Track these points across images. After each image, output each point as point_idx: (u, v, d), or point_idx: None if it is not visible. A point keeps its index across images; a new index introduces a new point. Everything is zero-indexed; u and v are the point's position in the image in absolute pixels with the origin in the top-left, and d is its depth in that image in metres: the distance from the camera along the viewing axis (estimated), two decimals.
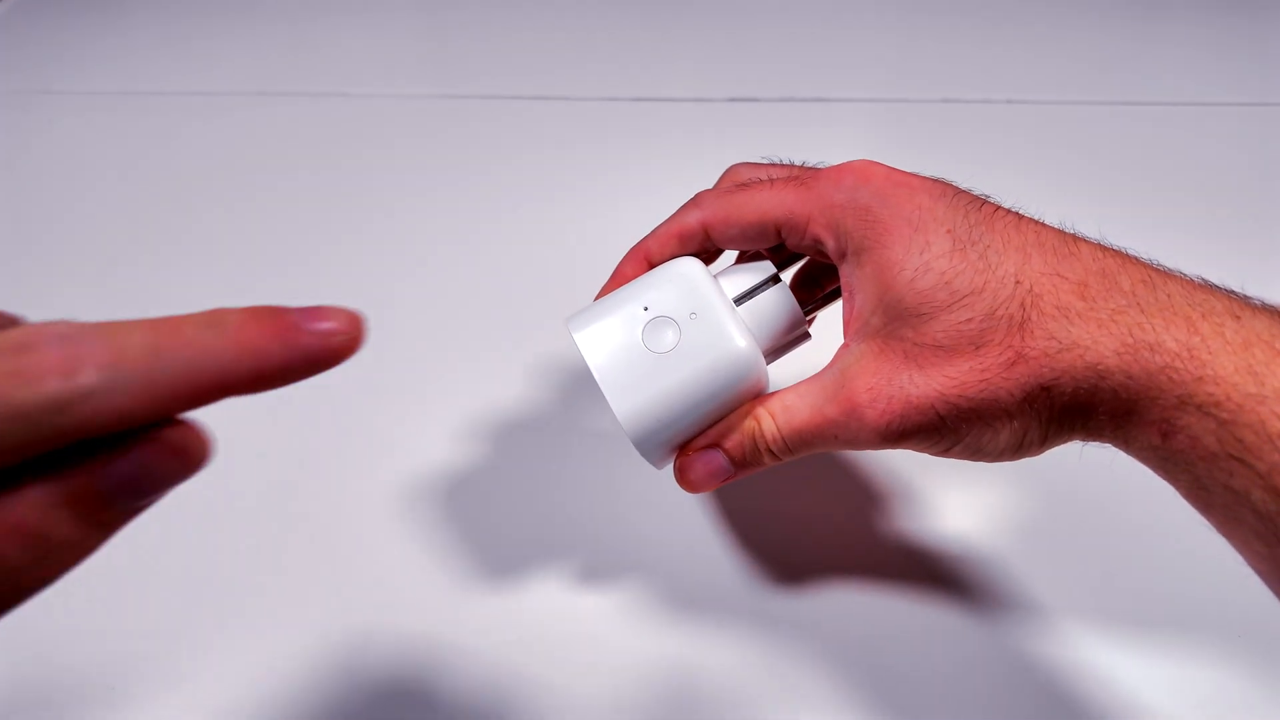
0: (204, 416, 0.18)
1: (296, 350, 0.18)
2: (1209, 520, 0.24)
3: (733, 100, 0.65)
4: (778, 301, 0.30)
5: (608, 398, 0.28)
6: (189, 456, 0.18)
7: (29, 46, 0.74)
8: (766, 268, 0.30)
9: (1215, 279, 0.25)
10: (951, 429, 0.26)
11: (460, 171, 0.59)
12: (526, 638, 0.35)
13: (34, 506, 0.17)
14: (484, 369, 0.45)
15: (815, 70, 0.68)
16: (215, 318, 0.18)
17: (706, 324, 0.28)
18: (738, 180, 0.32)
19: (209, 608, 0.36)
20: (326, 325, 0.18)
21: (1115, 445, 0.25)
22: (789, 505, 0.39)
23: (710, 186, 0.33)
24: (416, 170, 0.60)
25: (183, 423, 0.18)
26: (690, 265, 0.30)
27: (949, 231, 0.26)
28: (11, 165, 0.61)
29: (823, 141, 0.60)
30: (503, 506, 0.40)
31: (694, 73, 0.69)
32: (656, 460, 0.30)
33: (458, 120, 0.64)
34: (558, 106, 0.65)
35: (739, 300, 0.30)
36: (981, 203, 0.27)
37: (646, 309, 0.29)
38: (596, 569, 0.37)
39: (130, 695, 0.33)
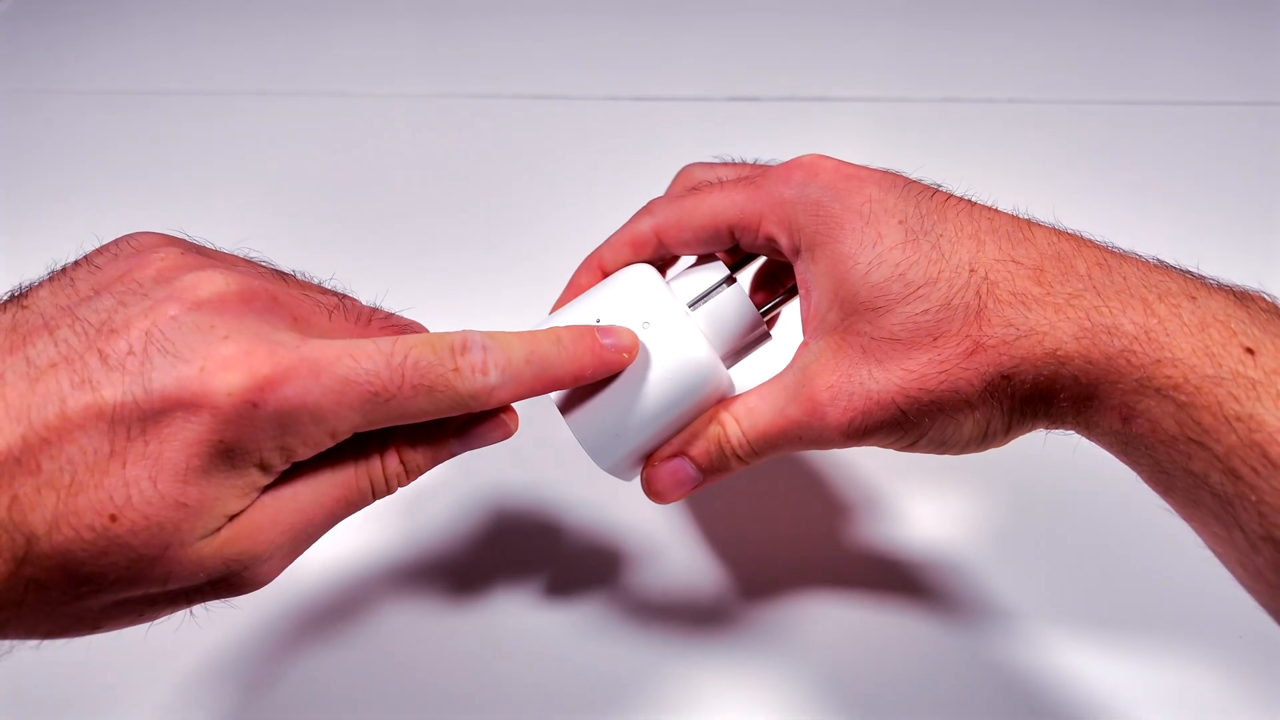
0: None
1: (602, 364, 0.26)
2: (1170, 504, 0.24)
3: (734, 99, 0.65)
4: (733, 303, 0.30)
5: (564, 418, 0.28)
6: (508, 432, 0.26)
7: (28, 45, 0.74)
8: (719, 269, 0.30)
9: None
10: (914, 423, 0.25)
11: (460, 170, 0.59)
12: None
13: (409, 438, 0.25)
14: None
15: (817, 69, 0.68)
16: (554, 337, 0.25)
17: (661, 332, 0.28)
18: (690, 183, 0.32)
19: None
20: (616, 342, 0.27)
21: (1078, 432, 0.25)
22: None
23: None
24: (416, 169, 0.60)
25: (511, 409, 0.26)
26: (641, 273, 0.30)
27: (901, 222, 0.26)
28: (11, 164, 0.61)
29: (824, 141, 0.60)
30: (476, 514, 0.39)
31: (695, 71, 0.69)
32: (622, 473, 0.30)
33: (458, 119, 0.64)
34: (558, 105, 0.65)
35: (693, 304, 0.29)
36: (933, 192, 0.27)
37: (600, 321, 0.28)
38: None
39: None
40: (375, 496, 0.25)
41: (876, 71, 0.68)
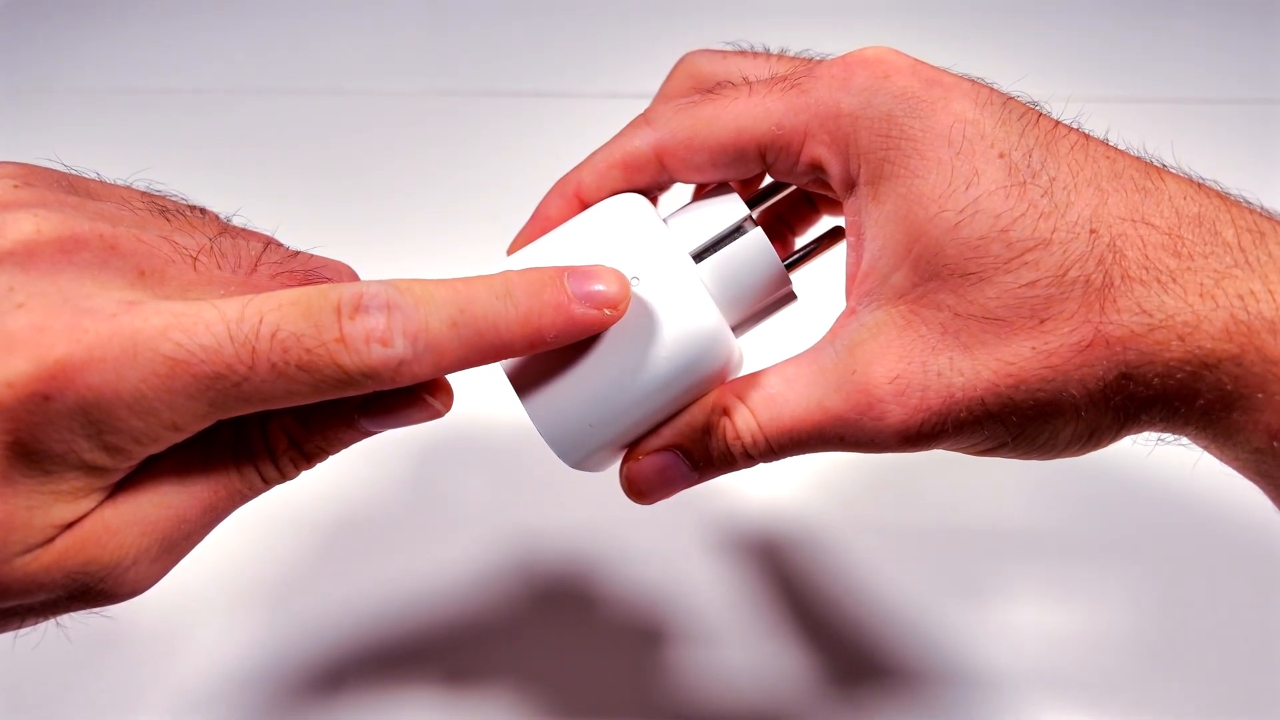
0: None
1: (572, 324, 0.19)
2: None
3: None
4: (753, 253, 0.23)
5: (520, 397, 0.21)
6: (435, 414, 0.20)
7: (27, 44, 0.74)
8: (736, 205, 0.23)
9: None
10: (1000, 426, 0.20)
11: (459, 169, 0.59)
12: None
13: (300, 417, 0.20)
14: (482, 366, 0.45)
15: None
16: (505, 289, 0.19)
17: (656, 291, 0.21)
18: (698, 80, 0.24)
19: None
20: (598, 289, 0.19)
21: (1199, 443, 0.20)
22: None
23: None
24: (415, 167, 0.59)
25: (441, 383, 0.20)
26: (633, 208, 0.23)
27: (1002, 156, 0.20)
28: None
29: None
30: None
31: None
32: (593, 466, 0.23)
33: (456, 117, 0.64)
34: (558, 103, 0.65)
35: (700, 255, 0.23)
36: (1038, 115, 0.21)
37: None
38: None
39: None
40: (267, 485, 0.20)
41: None
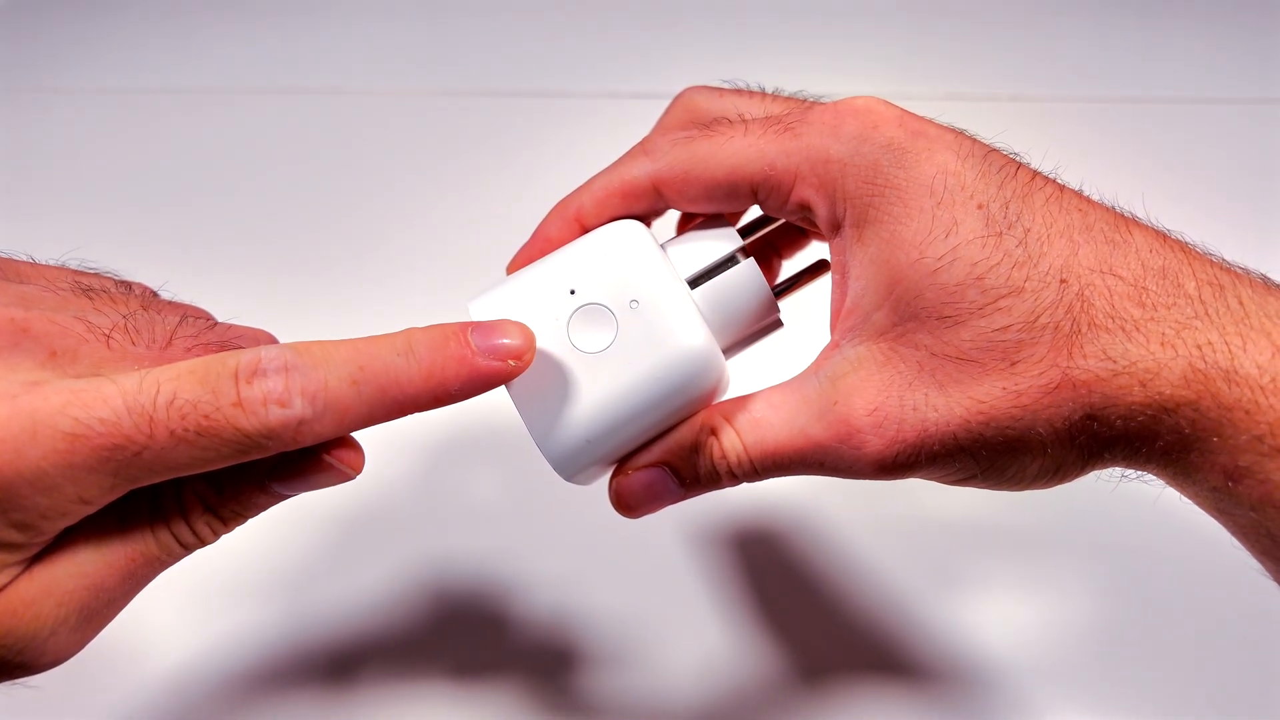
0: None
1: (476, 378, 0.20)
2: (1270, 572, 0.21)
3: None
4: (745, 282, 0.24)
5: (519, 412, 0.22)
6: (345, 477, 0.21)
7: (25, 44, 0.74)
8: (730, 238, 0.24)
9: None
10: (970, 459, 0.21)
11: (459, 168, 0.59)
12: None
13: (212, 483, 0.20)
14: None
15: (819, 67, 0.68)
16: (406, 345, 0.19)
17: (652, 316, 0.22)
18: (695, 115, 0.26)
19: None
20: (502, 342, 0.20)
21: (1162, 480, 0.22)
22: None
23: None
24: (414, 167, 0.59)
25: (352, 443, 0.20)
26: (633, 234, 0.24)
27: (981, 207, 0.21)
28: (9, 163, 0.61)
29: None
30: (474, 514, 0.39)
31: (696, 69, 0.68)
32: (583, 481, 0.24)
33: (456, 116, 0.64)
34: (558, 103, 0.65)
35: (695, 281, 0.24)
36: (1016, 166, 0.22)
37: (574, 292, 0.23)
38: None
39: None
40: (186, 551, 0.21)
41: (878, 69, 0.68)
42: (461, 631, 0.35)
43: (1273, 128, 0.61)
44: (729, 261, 0.24)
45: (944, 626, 0.35)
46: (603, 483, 0.25)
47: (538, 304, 0.23)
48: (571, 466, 0.23)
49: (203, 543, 0.21)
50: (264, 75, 0.69)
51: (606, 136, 0.65)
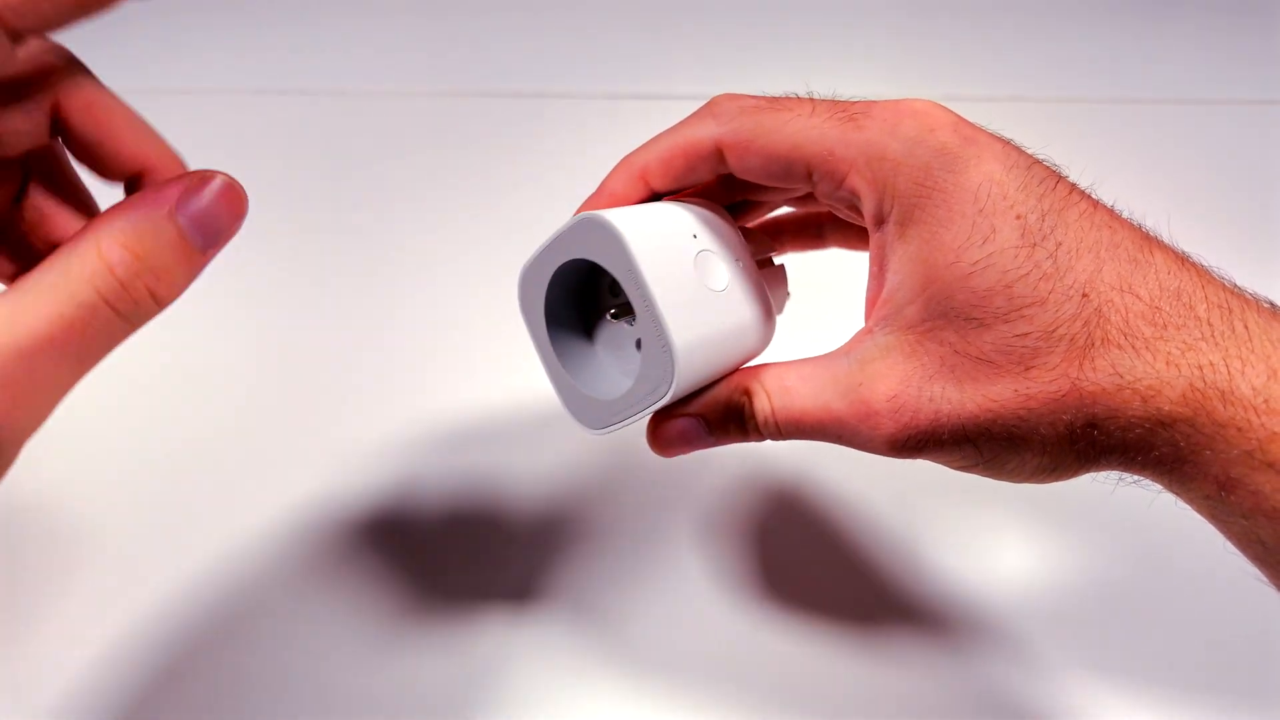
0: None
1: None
2: (1264, 574, 0.22)
3: None
4: (779, 279, 0.28)
5: (666, 319, 0.23)
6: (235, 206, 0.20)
7: None
8: (763, 244, 0.28)
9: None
10: (975, 449, 0.23)
11: (460, 168, 0.59)
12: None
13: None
14: (482, 366, 0.45)
15: (818, 67, 0.68)
16: None
17: (751, 277, 0.25)
18: (739, 108, 0.26)
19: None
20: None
21: (1158, 484, 0.23)
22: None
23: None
24: (416, 167, 0.59)
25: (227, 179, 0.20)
26: (720, 214, 0.26)
27: (1019, 218, 0.22)
28: None
29: None
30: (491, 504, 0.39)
31: (696, 70, 0.68)
32: (616, 429, 0.26)
33: (458, 117, 0.64)
34: (559, 104, 0.65)
35: (761, 264, 0.27)
36: (1056, 179, 0.23)
37: (696, 237, 0.25)
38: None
39: None
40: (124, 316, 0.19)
41: (878, 69, 0.68)
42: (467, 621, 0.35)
43: (1273, 128, 0.61)
44: (770, 260, 0.27)
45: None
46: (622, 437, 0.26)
47: (670, 233, 0.24)
48: (679, 387, 0.24)
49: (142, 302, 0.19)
50: (264, 75, 0.69)
51: (606, 136, 0.65)
